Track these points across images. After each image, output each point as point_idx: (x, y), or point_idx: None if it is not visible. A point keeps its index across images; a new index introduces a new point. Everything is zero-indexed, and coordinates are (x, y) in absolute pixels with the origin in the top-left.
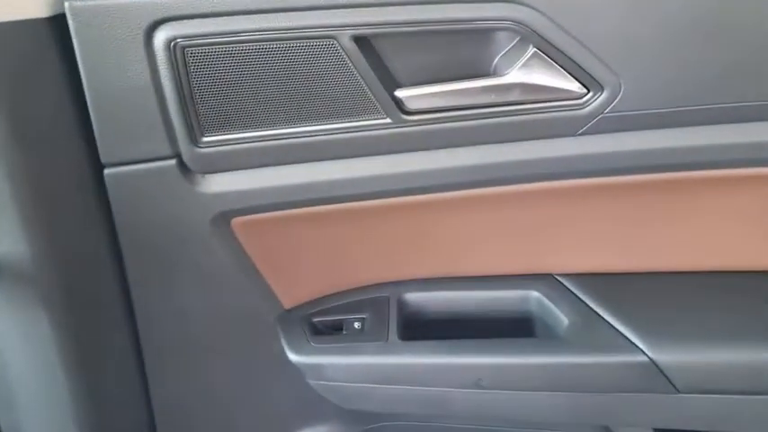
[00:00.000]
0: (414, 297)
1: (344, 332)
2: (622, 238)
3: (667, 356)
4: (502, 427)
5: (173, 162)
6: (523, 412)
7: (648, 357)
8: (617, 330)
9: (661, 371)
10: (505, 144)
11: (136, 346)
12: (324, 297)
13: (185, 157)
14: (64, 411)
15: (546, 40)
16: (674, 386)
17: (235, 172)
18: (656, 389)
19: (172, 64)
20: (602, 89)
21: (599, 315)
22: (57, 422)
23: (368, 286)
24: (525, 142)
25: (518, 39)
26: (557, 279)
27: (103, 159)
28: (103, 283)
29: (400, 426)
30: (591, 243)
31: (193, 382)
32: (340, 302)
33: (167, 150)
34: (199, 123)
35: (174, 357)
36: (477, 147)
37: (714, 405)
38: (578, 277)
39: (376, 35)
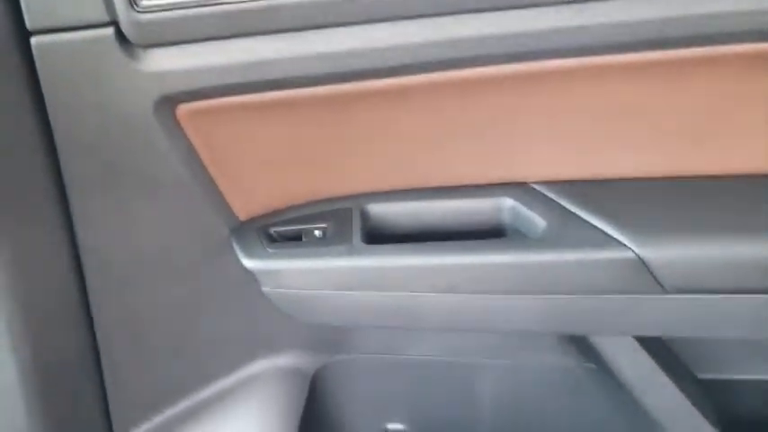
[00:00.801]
0: (377, 208)
1: (304, 240)
2: (613, 136)
3: (654, 252)
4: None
5: (109, 31)
6: (497, 317)
7: (634, 253)
8: (599, 229)
9: (647, 268)
10: (485, 13)
11: (74, 261)
12: (281, 210)
13: (123, 25)
14: None
15: None
16: (661, 285)
17: (182, 45)
18: (641, 289)
19: None
20: None
21: (580, 216)
22: None
23: (327, 199)
24: (504, 12)
25: None
26: (533, 188)
27: (30, 25)
28: (36, 185)
29: (364, 358)
30: (575, 144)
31: (138, 302)
32: (299, 214)
33: (102, 15)
34: None
35: (117, 273)
36: (453, 17)
37: (706, 306)
38: (559, 184)
39: None
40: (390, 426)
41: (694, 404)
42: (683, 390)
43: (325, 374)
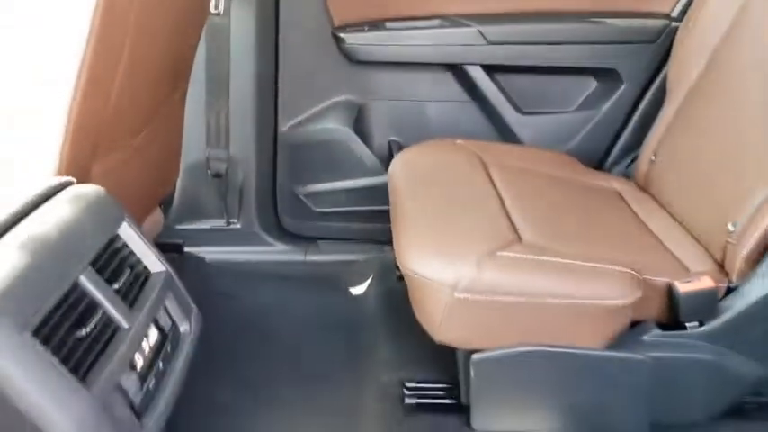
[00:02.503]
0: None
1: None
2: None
3: (486, 30)
4: None
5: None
6: (440, 55)
7: (479, 31)
8: (478, 30)
9: (482, 35)
10: None
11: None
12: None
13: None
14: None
15: None
16: (486, 40)
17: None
18: (480, 43)
19: None
20: None
21: (470, 25)
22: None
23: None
24: None
25: None
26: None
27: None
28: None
29: (383, 102)
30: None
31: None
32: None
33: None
34: None
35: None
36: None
37: (507, 48)
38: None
39: None
40: (392, 138)
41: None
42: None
43: (364, 110)
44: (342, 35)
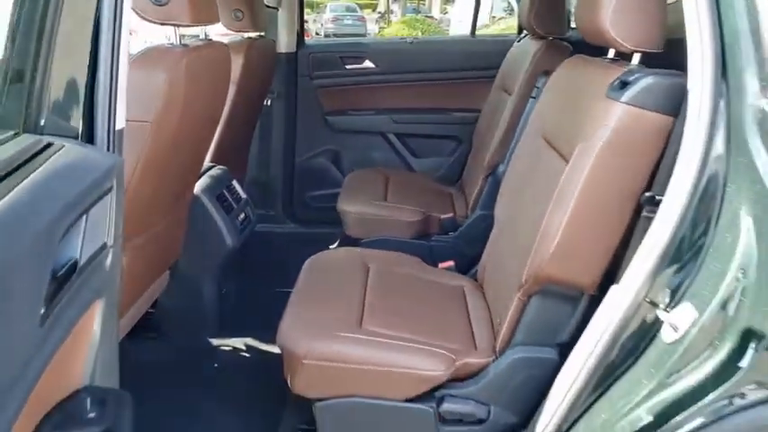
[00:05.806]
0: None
1: None
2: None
3: None
4: None
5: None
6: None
7: None
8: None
9: (393, 120)
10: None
11: None
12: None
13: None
14: None
15: None
16: (394, 122)
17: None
18: None
19: None
20: None
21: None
22: None
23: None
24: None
25: None
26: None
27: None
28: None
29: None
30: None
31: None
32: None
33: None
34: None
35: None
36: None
37: (408, 125)
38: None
39: None
40: (353, 168)
41: None
42: None
43: (339, 154)
44: (327, 117)
